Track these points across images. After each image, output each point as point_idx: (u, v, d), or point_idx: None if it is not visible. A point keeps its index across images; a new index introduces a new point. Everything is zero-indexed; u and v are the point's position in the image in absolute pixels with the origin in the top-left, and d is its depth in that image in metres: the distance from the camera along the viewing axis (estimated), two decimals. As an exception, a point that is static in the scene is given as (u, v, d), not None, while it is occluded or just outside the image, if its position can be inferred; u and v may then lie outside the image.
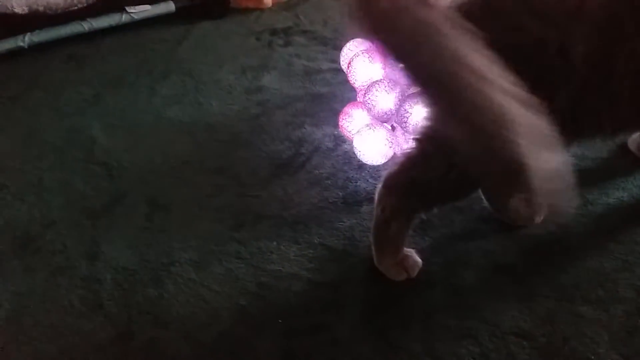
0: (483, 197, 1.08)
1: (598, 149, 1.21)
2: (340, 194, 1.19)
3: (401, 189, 0.96)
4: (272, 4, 1.77)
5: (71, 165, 1.28)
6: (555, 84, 0.83)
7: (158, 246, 1.10)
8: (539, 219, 1.10)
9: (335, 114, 1.30)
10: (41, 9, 1.47)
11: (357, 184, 1.21)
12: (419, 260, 1.03)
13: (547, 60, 0.81)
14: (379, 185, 0.98)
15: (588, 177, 1.19)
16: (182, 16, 1.70)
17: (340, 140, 1.30)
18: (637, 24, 0.81)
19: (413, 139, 0.96)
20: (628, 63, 0.82)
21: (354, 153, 1.23)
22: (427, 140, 0.93)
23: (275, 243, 1.09)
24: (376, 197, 0.99)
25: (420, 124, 0.96)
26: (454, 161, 0.91)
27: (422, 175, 0.94)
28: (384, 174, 0.98)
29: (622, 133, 1.00)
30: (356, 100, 1.31)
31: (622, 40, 0.81)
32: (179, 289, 1.03)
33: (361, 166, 1.23)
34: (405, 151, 0.98)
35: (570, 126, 0.88)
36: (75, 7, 1.52)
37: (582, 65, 0.81)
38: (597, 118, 0.88)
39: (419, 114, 1.15)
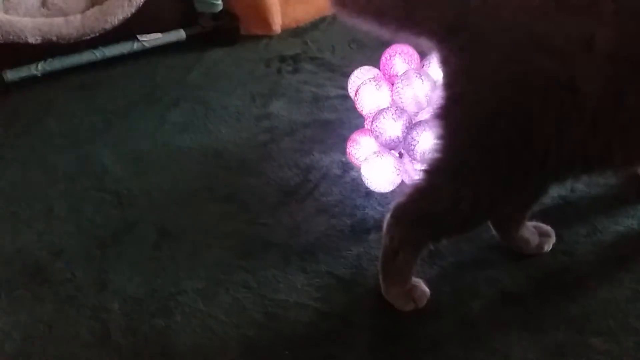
0: (492, 227, 1.08)
1: (607, 176, 1.20)
2: (348, 221, 1.19)
3: (410, 220, 0.96)
4: (281, 30, 1.79)
5: (81, 193, 1.29)
6: (565, 117, 0.83)
7: (166, 275, 1.10)
8: (548, 247, 1.09)
9: (343, 140, 1.31)
10: (54, 39, 1.50)
11: (365, 211, 1.20)
12: (427, 290, 1.02)
13: (556, 93, 0.82)
14: (388, 215, 0.98)
15: (597, 204, 1.18)
16: (193, 44, 1.73)
17: (348, 167, 1.30)
18: None
19: (422, 170, 0.96)
20: (637, 96, 0.83)
21: (361, 180, 1.23)
22: (437, 172, 0.92)
23: (282, 272, 1.10)
24: (384, 227, 0.99)
25: (429, 155, 0.96)
26: (463, 194, 0.91)
27: (431, 208, 0.93)
28: (393, 204, 0.98)
29: (632, 165, 0.99)
30: (364, 127, 1.31)
31: (632, 75, 0.82)
32: (187, 319, 1.03)
33: (369, 193, 1.23)
34: (415, 182, 0.98)
35: (582, 160, 0.88)
36: (88, 37, 1.54)
37: (593, 100, 0.81)
38: (607, 152, 0.88)
39: (426, 141, 1.15)
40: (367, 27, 0.95)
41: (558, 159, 0.86)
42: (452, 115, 0.88)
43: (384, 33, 0.93)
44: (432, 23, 0.86)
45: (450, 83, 0.88)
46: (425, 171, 0.94)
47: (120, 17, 1.54)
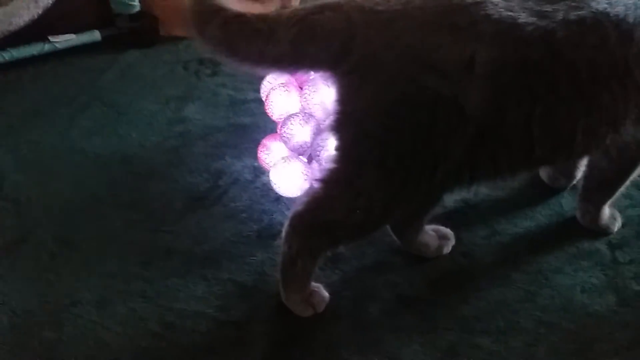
0: (391, 232, 1.09)
1: (501, 183, 1.23)
2: (255, 227, 1.18)
3: (307, 229, 0.96)
4: (202, 32, 1.76)
5: (-22, 201, 1.24)
6: (451, 132, 0.86)
7: (61, 286, 1.07)
8: (447, 250, 1.11)
9: (257, 145, 1.30)
10: (-47, 41, 1.44)
11: (273, 216, 1.20)
12: (326, 295, 1.03)
13: (442, 109, 0.84)
14: (286, 223, 0.98)
15: (497, 207, 1.21)
16: (110, 45, 1.69)
17: (259, 172, 1.30)
18: (522, 75, 0.85)
19: (318, 180, 0.97)
20: (516, 112, 0.86)
21: (272, 185, 1.23)
22: (333, 182, 0.93)
23: (183, 280, 1.08)
24: (283, 235, 0.99)
25: (325, 165, 0.96)
26: (358, 203, 0.91)
27: (328, 216, 0.94)
28: (290, 212, 0.98)
29: (519, 174, 1.03)
30: (276, 132, 1.31)
31: (510, 91, 0.85)
32: (79, 331, 1.00)
33: (278, 199, 1.23)
34: (311, 191, 0.98)
35: (469, 171, 0.91)
36: (-7, 38, 1.49)
37: (476, 115, 0.84)
38: (493, 162, 0.91)
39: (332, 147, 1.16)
40: (259, 72, 0.98)
41: (447, 169, 0.89)
42: (346, 129, 0.90)
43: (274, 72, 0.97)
44: (320, 57, 0.87)
45: (342, 100, 0.89)
46: (321, 180, 0.95)
47: (26, 19, 1.49)
